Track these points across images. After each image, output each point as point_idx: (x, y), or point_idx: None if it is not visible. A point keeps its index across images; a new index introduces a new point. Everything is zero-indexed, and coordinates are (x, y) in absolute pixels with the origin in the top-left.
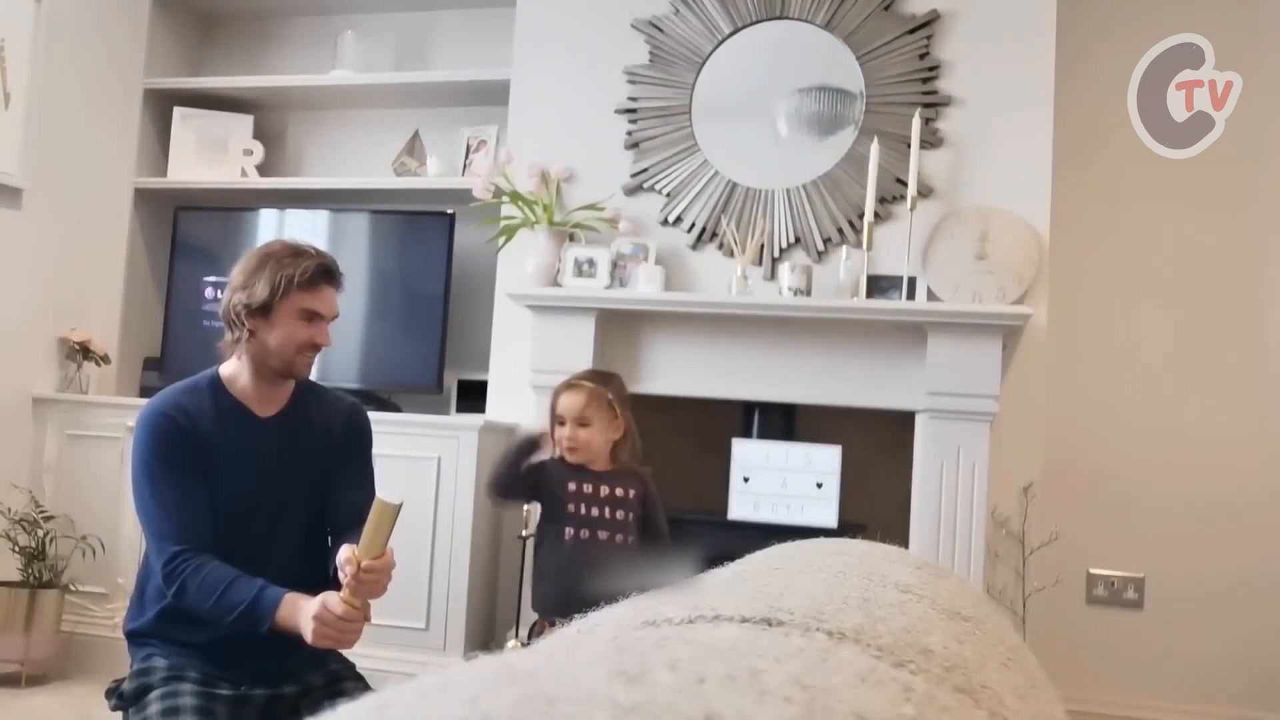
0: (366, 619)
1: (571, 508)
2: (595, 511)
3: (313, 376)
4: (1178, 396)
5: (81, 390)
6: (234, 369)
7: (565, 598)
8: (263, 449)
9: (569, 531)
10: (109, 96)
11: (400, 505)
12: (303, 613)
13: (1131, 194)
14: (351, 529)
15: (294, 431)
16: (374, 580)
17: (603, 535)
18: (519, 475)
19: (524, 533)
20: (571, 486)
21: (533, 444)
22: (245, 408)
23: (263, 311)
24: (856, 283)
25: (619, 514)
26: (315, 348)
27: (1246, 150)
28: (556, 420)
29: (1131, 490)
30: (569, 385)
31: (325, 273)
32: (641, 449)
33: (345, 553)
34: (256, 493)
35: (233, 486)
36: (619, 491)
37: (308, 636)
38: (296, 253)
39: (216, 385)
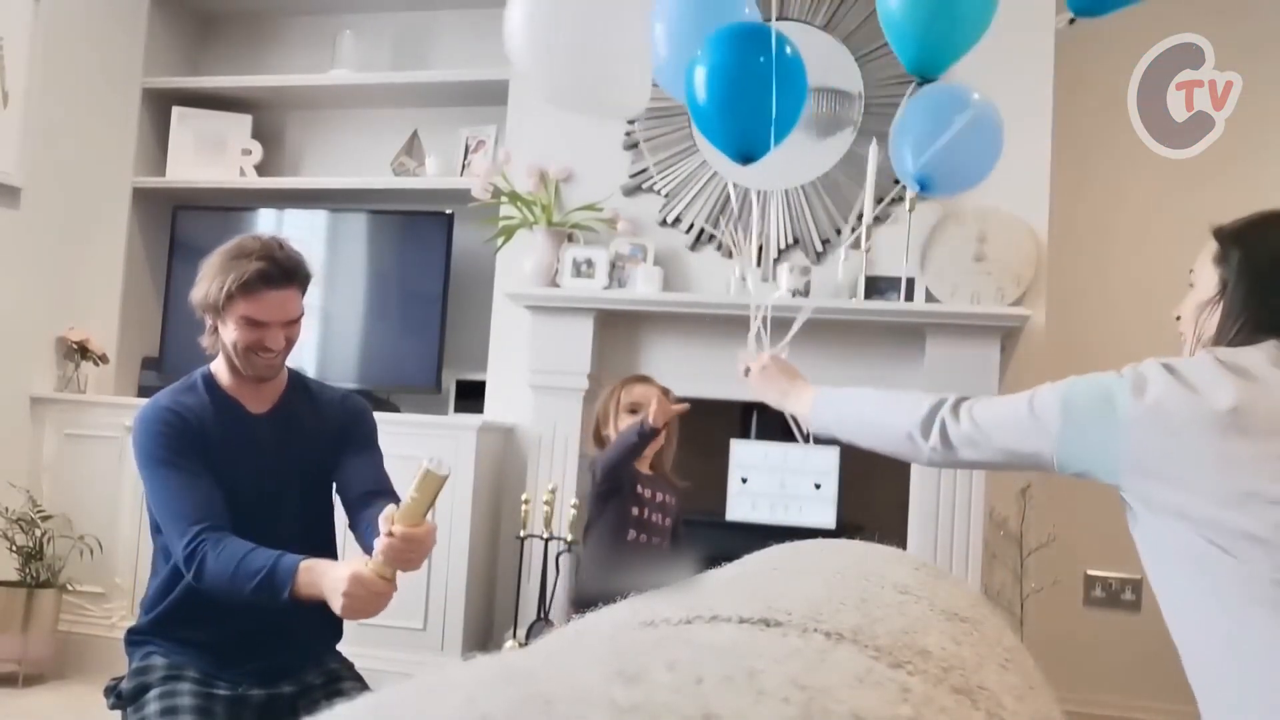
0: (393, 588)
1: (636, 511)
2: (655, 518)
3: (311, 375)
4: None
5: (79, 390)
6: (220, 366)
7: (608, 596)
8: (258, 445)
9: (630, 533)
10: (107, 96)
11: (447, 476)
12: (327, 578)
13: (1130, 194)
14: (366, 509)
15: (288, 427)
16: (405, 549)
17: (656, 541)
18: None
19: (522, 533)
20: (642, 490)
21: (655, 433)
22: (238, 404)
23: (215, 311)
24: (855, 284)
25: (666, 521)
26: (267, 350)
27: (1246, 151)
28: (627, 410)
29: None
30: (639, 379)
31: (263, 278)
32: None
33: (388, 511)
34: (253, 488)
35: (230, 482)
36: (668, 499)
37: (335, 607)
38: (242, 254)
39: (210, 383)
